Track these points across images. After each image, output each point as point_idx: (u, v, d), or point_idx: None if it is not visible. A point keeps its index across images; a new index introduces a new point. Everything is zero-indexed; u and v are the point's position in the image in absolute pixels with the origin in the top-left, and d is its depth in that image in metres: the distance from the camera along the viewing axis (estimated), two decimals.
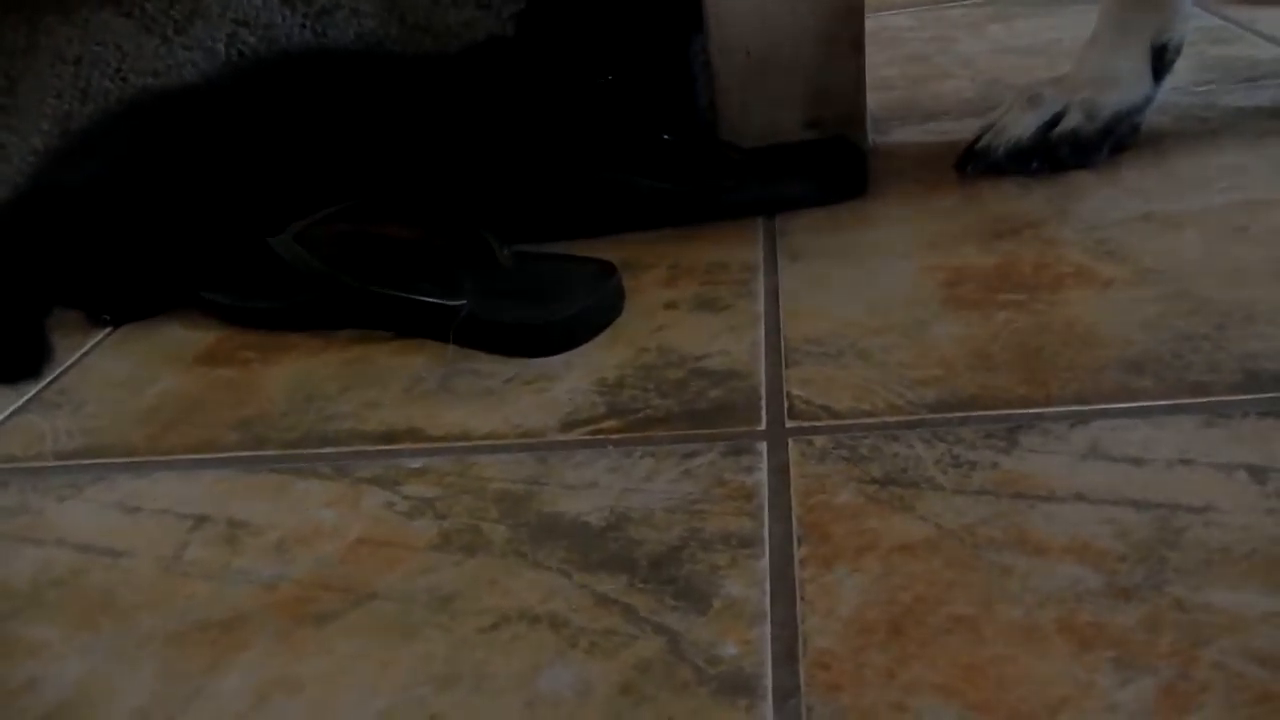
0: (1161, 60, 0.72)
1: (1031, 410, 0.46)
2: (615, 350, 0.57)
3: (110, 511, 0.49)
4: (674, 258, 0.66)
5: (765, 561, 0.40)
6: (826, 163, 0.73)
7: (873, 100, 0.77)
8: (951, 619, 0.36)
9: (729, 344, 0.55)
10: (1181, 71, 0.75)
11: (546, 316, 0.58)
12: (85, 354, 0.64)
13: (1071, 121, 0.70)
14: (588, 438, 0.49)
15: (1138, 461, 0.42)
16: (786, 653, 0.36)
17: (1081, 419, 0.45)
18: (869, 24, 0.75)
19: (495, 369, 0.57)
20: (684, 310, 0.60)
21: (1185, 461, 0.42)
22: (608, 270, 0.62)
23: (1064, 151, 0.70)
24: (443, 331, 0.59)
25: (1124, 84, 0.71)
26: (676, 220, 0.71)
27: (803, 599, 0.38)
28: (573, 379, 0.54)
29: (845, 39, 0.75)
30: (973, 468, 0.43)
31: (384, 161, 0.71)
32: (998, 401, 0.47)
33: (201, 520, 0.47)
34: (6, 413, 0.58)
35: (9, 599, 0.44)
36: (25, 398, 0.60)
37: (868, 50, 0.75)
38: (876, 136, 0.79)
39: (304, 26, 0.84)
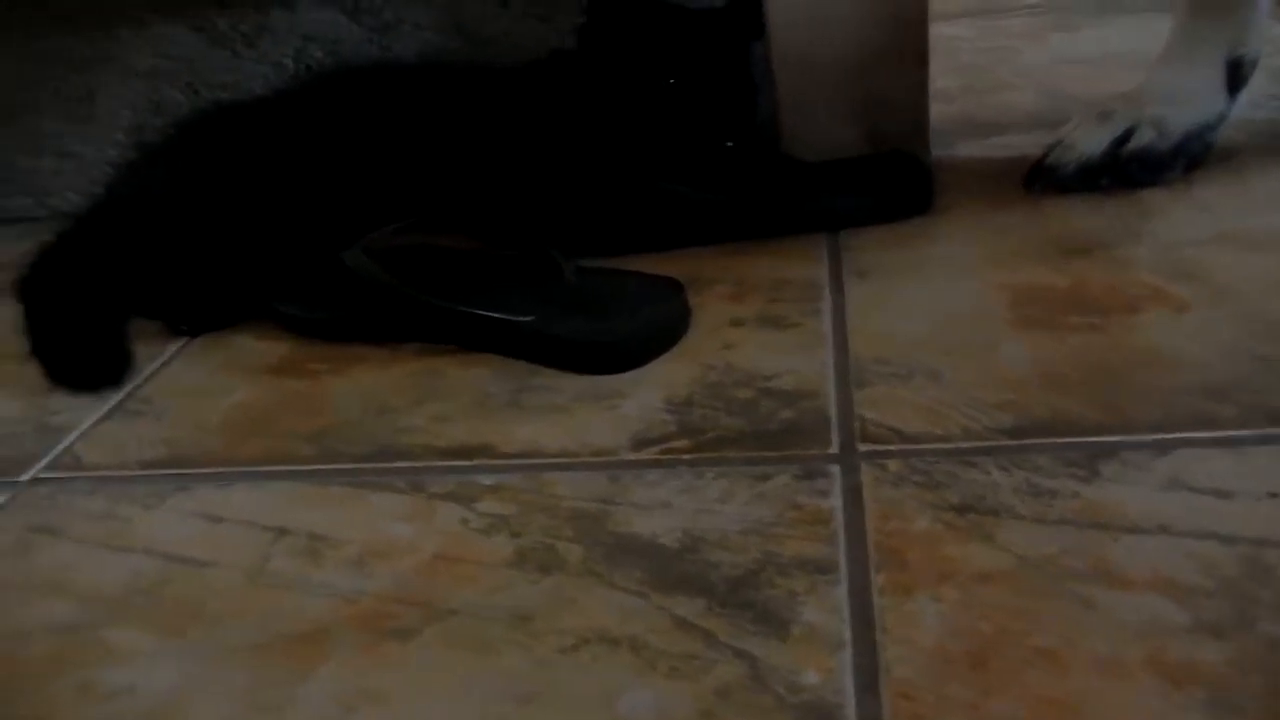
0: (1237, 75, 0.70)
1: (1111, 438, 0.46)
2: (683, 368, 0.57)
3: (194, 521, 0.50)
4: (738, 273, 0.66)
5: (843, 588, 0.40)
6: (890, 177, 0.72)
7: (932, 113, 0.76)
8: (1034, 651, 0.36)
9: (797, 363, 0.55)
10: (1253, 84, 0.74)
11: (615, 333, 0.58)
12: (165, 363, 0.66)
13: (1143, 138, 0.69)
14: (659, 457, 0.50)
15: (1223, 494, 0.42)
16: (868, 682, 0.36)
17: (1162, 448, 0.45)
18: None
19: (564, 385, 0.57)
20: (750, 328, 0.60)
21: (1273, 495, 0.41)
22: (674, 287, 0.62)
23: (1135, 169, 0.69)
24: (509, 347, 0.60)
25: (1197, 100, 0.70)
26: (738, 234, 0.71)
27: (883, 628, 0.38)
28: (642, 396, 0.55)
29: (907, 50, 0.75)
30: (1053, 497, 0.43)
31: (451, 175, 0.73)
32: (1074, 428, 0.47)
33: (282, 532, 0.48)
34: (92, 420, 0.60)
35: (103, 605, 0.45)
36: (109, 406, 0.62)
37: None
38: (937, 150, 0.78)
39: (370, 41, 0.86)
